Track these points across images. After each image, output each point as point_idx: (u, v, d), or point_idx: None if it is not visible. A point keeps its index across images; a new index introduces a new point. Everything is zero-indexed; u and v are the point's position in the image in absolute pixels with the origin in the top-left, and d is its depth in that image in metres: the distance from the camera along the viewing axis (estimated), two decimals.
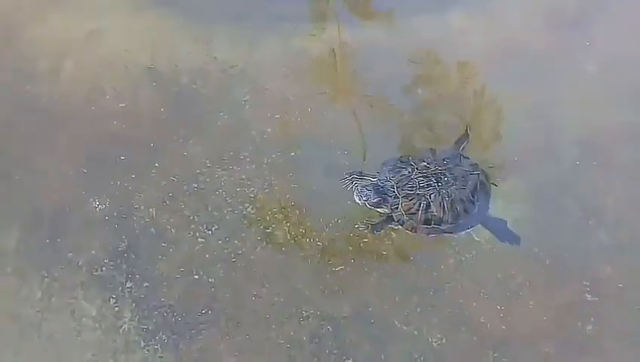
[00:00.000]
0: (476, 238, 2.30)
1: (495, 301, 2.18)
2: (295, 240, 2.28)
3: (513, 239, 2.23)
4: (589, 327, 2.12)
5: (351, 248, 2.28)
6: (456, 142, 2.38)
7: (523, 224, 2.28)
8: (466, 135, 2.40)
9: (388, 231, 2.26)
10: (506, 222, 2.27)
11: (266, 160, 2.40)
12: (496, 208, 2.30)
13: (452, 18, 2.72)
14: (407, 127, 2.52)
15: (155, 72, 2.56)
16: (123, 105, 2.50)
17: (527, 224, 2.29)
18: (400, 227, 2.21)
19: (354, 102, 2.54)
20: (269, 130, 2.47)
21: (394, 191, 2.19)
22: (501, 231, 2.24)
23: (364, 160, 2.40)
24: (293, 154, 2.42)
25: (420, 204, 2.16)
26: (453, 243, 2.27)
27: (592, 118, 2.48)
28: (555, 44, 2.67)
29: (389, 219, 2.21)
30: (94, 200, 2.34)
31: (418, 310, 2.16)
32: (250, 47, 2.66)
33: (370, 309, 2.18)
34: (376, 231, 2.23)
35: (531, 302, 2.17)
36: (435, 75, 2.61)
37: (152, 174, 2.37)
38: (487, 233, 2.30)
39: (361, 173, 2.30)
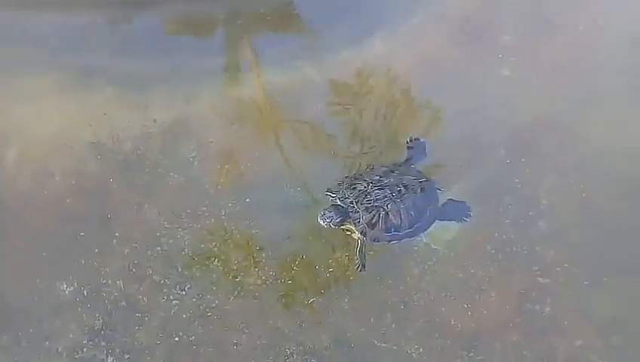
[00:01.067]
0: (434, 246, 2.48)
1: (461, 301, 2.36)
2: (266, 283, 2.38)
3: (466, 210, 2.44)
4: (547, 309, 2.33)
5: (319, 279, 2.41)
6: (407, 155, 2.58)
7: (472, 227, 2.49)
8: (416, 147, 2.60)
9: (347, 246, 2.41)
10: (451, 199, 2.48)
11: (223, 211, 2.50)
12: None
13: (374, 44, 2.92)
14: (353, 148, 2.65)
15: (98, 145, 2.60)
16: (73, 182, 2.53)
17: (476, 224, 2.49)
18: (363, 238, 2.35)
19: (296, 139, 2.67)
20: (221, 180, 2.57)
21: (354, 207, 2.34)
22: (455, 213, 2.44)
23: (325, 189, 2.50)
24: (248, 200, 2.52)
25: (380, 214, 2.32)
26: (415, 256, 2.44)
27: (514, 118, 2.73)
28: (470, 54, 2.91)
29: (364, 247, 2.35)
30: (61, 283, 2.35)
31: (393, 326, 2.31)
32: (186, 103, 2.75)
33: (348, 334, 2.30)
34: (362, 266, 2.35)
35: (493, 295, 2.37)
36: (366, 98, 2.79)
37: (114, 245, 2.41)
38: (443, 239, 2.50)
39: (334, 194, 2.43)
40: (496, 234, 2.46)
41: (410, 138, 2.61)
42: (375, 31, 2.92)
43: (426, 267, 2.41)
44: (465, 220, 2.43)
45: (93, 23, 2.82)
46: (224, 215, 2.49)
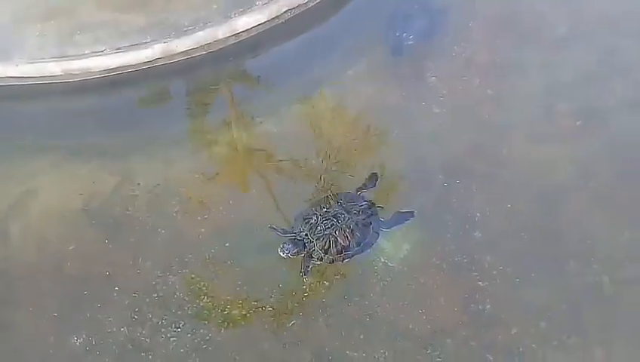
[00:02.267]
0: (391, 264, 2.91)
1: (416, 308, 2.78)
2: (250, 313, 2.77)
3: (408, 216, 2.90)
4: (488, 306, 2.77)
5: (297, 304, 2.81)
6: (364, 185, 3.04)
7: (420, 243, 2.93)
8: (372, 180, 3.05)
9: (317, 273, 2.82)
10: (398, 211, 2.94)
11: (207, 256, 2.89)
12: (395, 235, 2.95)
13: (323, 97, 3.38)
14: (310, 187, 3.08)
15: (91, 211, 2.99)
16: (72, 247, 2.89)
17: (423, 242, 2.93)
18: (321, 262, 2.82)
19: (263, 186, 3.09)
20: (203, 230, 2.96)
21: (309, 238, 2.82)
22: (400, 219, 2.91)
23: (290, 224, 2.94)
24: (227, 244, 2.92)
25: (330, 241, 2.81)
26: (375, 274, 2.86)
27: (447, 147, 3.22)
28: (405, 96, 3.39)
29: (309, 258, 2.82)
30: (72, 336, 2.70)
31: (361, 336, 2.71)
32: (165, 166, 3.15)
33: (326, 349, 2.71)
34: (305, 273, 2.82)
35: (442, 300, 2.80)
36: (319, 143, 3.23)
37: (115, 297, 2.77)
38: (398, 258, 2.92)
39: (283, 231, 2.88)
40: (440, 248, 2.92)
41: (370, 174, 3.08)
42: (324, 84, 3.41)
43: (385, 283, 2.85)
44: (409, 219, 2.90)
45: (75, 108, 3.25)
46: (208, 259, 2.89)
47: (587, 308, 2.77)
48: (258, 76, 3.43)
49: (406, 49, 3.30)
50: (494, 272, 2.87)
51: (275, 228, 2.85)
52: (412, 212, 2.93)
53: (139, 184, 3.06)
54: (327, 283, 2.84)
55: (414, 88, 3.40)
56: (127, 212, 3.00)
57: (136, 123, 3.26)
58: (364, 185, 3.01)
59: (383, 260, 2.93)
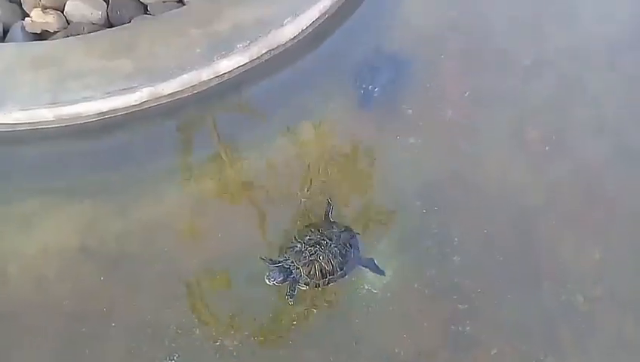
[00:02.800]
0: (374, 291, 3.04)
1: (400, 332, 2.92)
2: (242, 343, 2.89)
3: (381, 271, 3.04)
4: (468, 328, 2.92)
5: (286, 332, 2.93)
6: (325, 214, 3.20)
7: (402, 269, 3.07)
8: (329, 207, 3.20)
9: (305, 301, 2.96)
10: (374, 260, 3.08)
11: (198, 288, 3.00)
12: (377, 260, 3.07)
13: (303, 131, 3.52)
14: (294, 217, 3.21)
15: (86, 249, 3.10)
16: (69, 285, 3.00)
17: (405, 267, 3.07)
18: (307, 287, 2.97)
19: (250, 219, 3.20)
20: (194, 262, 3.07)
21: (295, 265, 2.98)
22: (372, 267, 3.06)
23: (277, 254, 3.08)
24: (218, 276, 3.04)
25: (315, 266, 2.97)
26: (360, 301, 3.00)
27: (423, 175, 3.36)
28: (383, 129, 3.51)
29: (295, 283, 2.97)
30: None
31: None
32: (157, 201, 3.26)
33: None
34: (291, 296, 2.97)
35: (425, 323, 2.94)
36: (305, 177, 3.35)
37: (112, 334, 2.88)
38: (381, 284, 3.05)
39: (272, 261, 3.02)
40: (421, 273, 3.07)
41: (328, 201, 3.24)
42: (304, 119, 3.55)
43: (370, 309, 2.99)
44: (381, 274, 3.03)
45: (68, 150, 3.36)
46: (200, 291, 3.01)
47: (562, 327, 2.93)
48: (242, 113, 3.56)
49: (374, 102, 3.45)
50: (473, 295, 3.03)
51: (264, 259, 2.99)
52: (383, 272, 3.04)
53: (132, 220, 3.18)
54: (314, 311, 2.98)
55: (391, 121, 3.55)
56: (122, 248, 3.12)
57: (127, 162, 3.36)
58: (327, 212, 3.17)
59: (367, 287, 3.06)
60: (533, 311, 2.97)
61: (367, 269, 3.07)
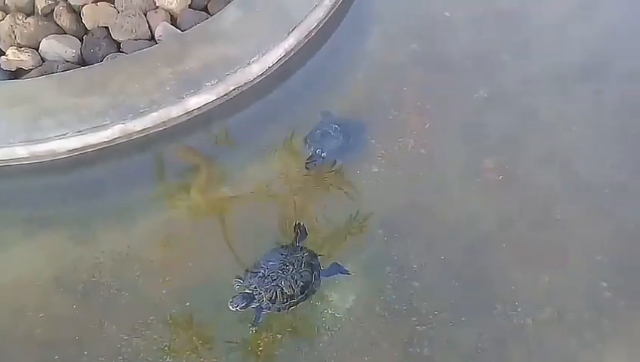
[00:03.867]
0: (338, 315, 3.20)
1: (362, 355, 3.08)
2: None
3: (345, 271, 3.24)
4: (425, 349, 3.10)
5: (254, 358, 3.07)
6: (295, 238, 3.36)
7: (364, 294, 3.24)
8: (301, 231, 3.36)
9: (270, 327, 3.11)
10: (336, 263, 3.27)
11: (168, 316, 3.16)
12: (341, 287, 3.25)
13: (271, 162, 3.68)
14: (261, 244, 3.34)
15: (59, 279, 3.25)
16: (41, 314, 3.13)
17: (366, 292, 3.25)
18: (269, 311, 3.12)
19: (218, 249, 3.34)
20: (164, 291, 3.22)
21: (257, 290, 3.13)
22: (336, 271, 3.24)
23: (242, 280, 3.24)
24: (188, 304, 3.19)
25: (277, 291, 3.11)
26: (324, 325, 3.15)
27: (385, 205, 3.54)
28: (341, 166, 3.71)
29: (259, 310, 3.12)
30: None
31: None
32: (127, 232, 3.42)
33: None
34: (256, 324, 3.11)
35: (384, 346, 3.11)
36: (272, 206, 3.55)
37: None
38: (344, 308, 3.21)
39: (242, 282, 3.16)
40: (382, 297, 3.25)
41: (295, 224, 3.41)
42: (272, 151, 3.71)
43: (333, 333, 3.16)
44: (346, 273, 3.24)
45: (42, 185, 3.53)
46: (170, 319, 3.16)
47: (513, 348, 3.12)
48: (211, 146, 3.74)
49: (320, 162, 3.61)
50: (431, 317, 3.21)
51: (237, 280, 3.15)
52: (347, 271, 3.27)
53: (103, 251, 3.33)
54: (280, 337, 3.15)
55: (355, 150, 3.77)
56: (93, 278, 3.26)
57: (99, 195, 3.54)
58: (296, 237, 3.35)
59: (330, 311, 3.24)
60: (487, 332, 3.16)
61: (334, 276, 3.23)
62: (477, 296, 3.26)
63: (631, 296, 3.23)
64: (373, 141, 3.81)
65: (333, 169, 3.64)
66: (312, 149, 3.64)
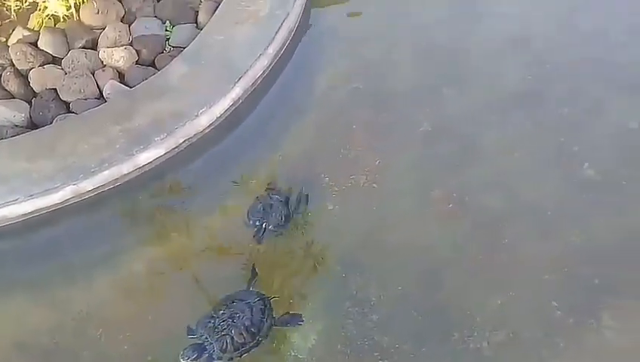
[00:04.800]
0: (300, 356, 3.28)
1: None
2: None
3: (299, 320, 3.31)
4: None
5: None
6: (249, 281, 3.46)
7: (325, 332, 3.32)
8: (252, 273, 3.48)
9: None
10: (288, 312, 3.35)
11: None
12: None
13: (227, 208, 3.79)
14: (219, 294, 3.41)
15: (21, 343, 3.25)
16: None
17: (328, 330, 3.32)
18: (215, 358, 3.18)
19: (181, 296, 3.42)
20: (125, 347, 3.25)
21: (208, 340, 3.19)
22: (289, 322, 3.32)
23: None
24: (150, 358, 3.22)
25: (227, 341, 3.18)
26: None
27: (343, 241, 3.65)
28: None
29: (210, 360, 3.16)
30: None
31: None
32: (86, 290, 3.45)
33: None
34: None
35: None
36: (229, 252, 3.61)
37: None
38: (306, 347, 3.29)
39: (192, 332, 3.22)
40: (343, 334, 3.34)
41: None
42: (227, 199, 3.83)
43: None
44: (299, 324, 3.31)
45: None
46: None
47: None
48: (164, 199, 3.82)
49: (266, 235, 3.63)
50: (392, 350, 3.31)
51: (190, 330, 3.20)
52: (301, 317, 3.36)
53: (63, 312, 3.37)
54: None
55: (310, 188, 3.87)
56: (55, 341, 3.30)
57: (56, 257, 3.58)
58: (250, 279, 3.46)
59: (292, 353, 3.33)
60: (446, 360, 3.27)
61: (287, 327, 3.32)
62: (435, 324, 3.39)
63: (579, 313, 3.38)
64: (327, 179, 3.95)
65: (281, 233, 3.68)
66: (258, 224, 3.64)
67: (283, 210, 3.68)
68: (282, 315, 3.37)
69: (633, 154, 4.04)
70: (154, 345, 3.27)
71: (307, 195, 3.83)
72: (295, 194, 3.84)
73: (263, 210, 3.66)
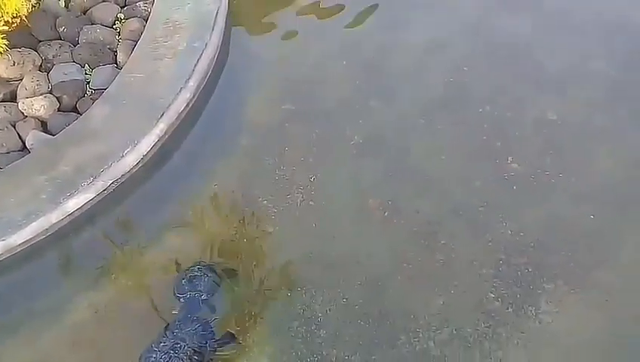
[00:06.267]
0: None
1: None
2: None
3: (234, 340, 3.41)
4: None
5: None
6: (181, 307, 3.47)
7: (275, 353, 3.41)
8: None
9: None
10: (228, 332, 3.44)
11: None
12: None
13: (168, 242, 3.85)
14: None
15: None
16: None
17: (278, 351, 3.40)
18: None
19: (129, 342, 3.43)
20: None
21: None
22: (227, 341, 3.39)
23: None
24: None
25: None
26: None
27: (283, 259, 3.74)
28: (242, 222, 3.93)
29: None
30: None
31: None
32: (29, 344, 3.40)
33: None
34: None
35: None
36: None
37: None
38: None
39: None
40: (294, 353, 3.39)
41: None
42: (165, 232, 3.87)
43: None
44: (237, 344, 3.40)
45: None
46: None
47: None
48: (99, 242, 3.84)
49: (203, 305, 3.56)
50: None
51: None
52: (239, 341, 3.45)
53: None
54: None
55: (248, 212, 3.97)
56: None
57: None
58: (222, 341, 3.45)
59: None
60: None
61: (226, 349, 3.37)
62: (382, 331, 3.52)
63: (517, 303, 3.56)
64: (265, 202, 4.07)
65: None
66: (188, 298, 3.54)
67: (213, 275, 3.61)
68: (223, 335, 3.42)
69: (553, 144, 4.31)
70: None
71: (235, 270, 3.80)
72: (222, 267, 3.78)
73: (189, 281, 3.56)
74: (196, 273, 3.62)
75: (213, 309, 3.56)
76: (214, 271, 3.67)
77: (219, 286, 3.65)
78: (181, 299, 3.54)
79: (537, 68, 4.76)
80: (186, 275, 3.61)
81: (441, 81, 4.70)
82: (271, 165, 4.24)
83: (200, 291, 3.54)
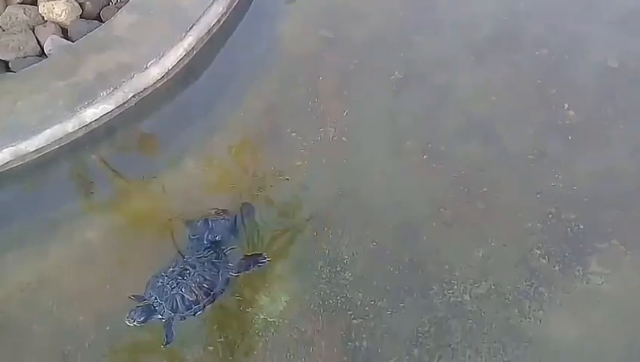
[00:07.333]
0: (270, 319, 3.14)
1: (300, 356, 3.02)
2: None
3: (264, 261, 3.20)
4: (365, 342, 3.06)
5: None
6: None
7: (297, 292, 3.18)
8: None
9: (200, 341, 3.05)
10: (247, 255, 3.25)
11: (87, 344, 3.00)
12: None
13: (190, 166, 3.61)
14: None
15: None
16: None
17: (299, 290, 3.18)
18: (174, 322, 3.03)
19: (140, 262, 3.24)
20: (81, 318, 3.07)
21: (157, 301, 3.06)
22: (250, 265, 3.18)
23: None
24: (108, 328, 3.03)
25: (177, 299, 3.05)
26: (258, 332, 3.07)
27: (311, 195, 3.49)
28: (270, 152, 3.68)
29: (169, 326, 3.02)
30: None
31: None
32: (39, 258, 3.25)
33: None
34: (168, 342, 2.99)
35: (322, 344, 3.04)
36: (194, 211, 3.44)
37: None
38: (278, 310, 3.15)
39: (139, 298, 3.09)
40: (316, 293, 3.23)
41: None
42: (185, 156, 3.63)
43: (268, 338, 3.13)
44: (263, 264, 3.21)
45: None
46: (88, 347, 2.99)
47: (454, 327, 3.16)
48: (116, 158, 3.62)
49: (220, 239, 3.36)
50: (367, 308, 3.22)
51: (134, 297, 3.06)
52: (262, 255, 3.24)
53: (14, 283, 3.20)
54: (211, 349, 3.08)
55: (276, 144, 3.75)
56: (4, 313, 3.12)
57: (2, 223, 3.36)
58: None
59: (263, 316, 3.21)
60: (425, 316, 3.18)
61: (252, 270, 3.17)
62: (412, 279, 3.30)
63: (564, 261, 3.32)
64: (294, 134, 3.81)
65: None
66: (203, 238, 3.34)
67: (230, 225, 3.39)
68: (241, 260, 3.26)
69: (613, 93, 3.97)
70: (111, 315, 3.09)
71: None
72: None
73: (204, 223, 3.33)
74: (212, 217, 3.40)
75: (230, 240, 3.37)
76: (232, 216, 3.44)
77: (236, 227, 3.43)
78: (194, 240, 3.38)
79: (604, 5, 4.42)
80: (201, 219, 3.39)
81: (493, 20, 4.32)
82: (303, 95, 3.97)
83: (215, 232, 3.33)
